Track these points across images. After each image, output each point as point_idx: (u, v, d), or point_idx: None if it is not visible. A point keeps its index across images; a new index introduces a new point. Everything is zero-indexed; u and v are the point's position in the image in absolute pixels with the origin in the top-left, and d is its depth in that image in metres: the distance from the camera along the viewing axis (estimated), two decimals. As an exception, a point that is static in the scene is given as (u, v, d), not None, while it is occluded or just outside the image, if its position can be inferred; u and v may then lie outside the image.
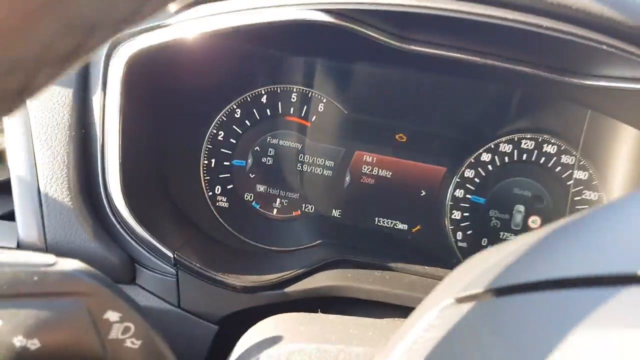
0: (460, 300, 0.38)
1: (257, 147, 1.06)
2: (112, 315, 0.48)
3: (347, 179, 1.07)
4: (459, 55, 0.80)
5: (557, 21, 0.73)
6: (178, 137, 1.00)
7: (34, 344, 0.45)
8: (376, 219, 1.08)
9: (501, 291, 0.35)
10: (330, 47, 0.93)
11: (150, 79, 0.86)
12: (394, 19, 0.76)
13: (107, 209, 0.78)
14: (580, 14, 0.72)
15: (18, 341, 0.45)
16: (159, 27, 0.77)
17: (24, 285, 0.44)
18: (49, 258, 0.47)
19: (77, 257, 0.51)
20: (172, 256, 0.78)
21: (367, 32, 0.76)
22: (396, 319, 0.79)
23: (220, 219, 1.05)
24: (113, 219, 0.78)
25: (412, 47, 0.80)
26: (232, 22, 0.75)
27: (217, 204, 1.05)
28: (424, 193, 1.07)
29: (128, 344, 0.49)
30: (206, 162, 1.04)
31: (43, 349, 0.46)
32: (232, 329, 0.81)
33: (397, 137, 1.07)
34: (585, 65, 0.79)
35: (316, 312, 0.71)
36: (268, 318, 0.68)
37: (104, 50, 0.78)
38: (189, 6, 0.75)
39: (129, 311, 0.49)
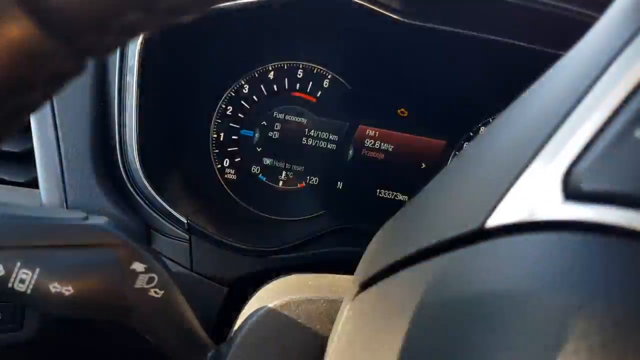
0: (363, 287, 0.42)
1: (264, 122, 1.10)
2: (138, 267, 0.53)
3: (351, 152, 1.12)
4: (458, 30, 0.84)
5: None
6: (189, 111, 1.04)
7: (68, 290, 0.50)
8: (378, 190, 1.13)
9: (383, 273, 0.39)
10: (334, 23, 0.97)
11: (165, 56, 0.90)
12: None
13: (125, 178, 0.83)
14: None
15: (53, 287, 0.50)
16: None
17: (60, 236, 0.49)
18: (81, 214, 0.52)
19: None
20: (185, 222, 0.83)
21: (372, 7, 0.80)
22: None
23: (229, 190, 1.10)
24: (130, 187, 0.83)
25: (417, 22, 0.84)
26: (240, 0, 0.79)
27: (226, 176, 1.10)
28: (424, 166, 1.11)
29: (152, 293, 0.54)
30: (215, 135, 1.09)
31: (76, 295, 0.50)
32: (242, 291, 0.86)
33: (399, 111, 1.11)
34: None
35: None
36: (277, 278, 0.73)
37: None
38: None
39: (154, 264, 0.54)
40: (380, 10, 0.80)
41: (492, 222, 0.31)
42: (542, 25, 0.83)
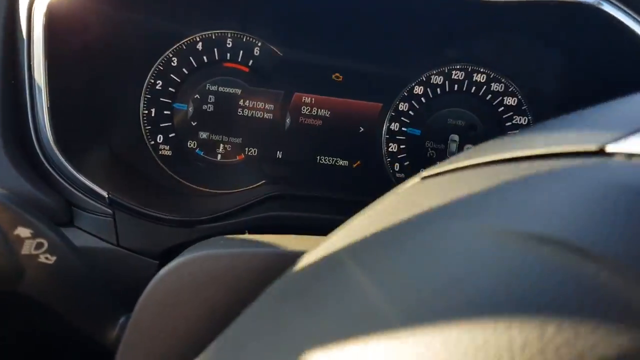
0: (425, 178, 0.42)
1: (197, 95, 1.08)
2: (23, 232, 0.51)
3: (288, 120, 1.10)
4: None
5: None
6: (115, 87, 1.01)
7: (-54, 260, 0.48)
8: (318, 157, 1.11)
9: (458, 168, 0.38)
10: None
11: (78, 26, 0.87)
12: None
13: (40, 154, 0.80)
14: None
15: None
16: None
17: None
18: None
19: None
20: (106, 196, 0.81)
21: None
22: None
23: (164, 167, 1.07)
24: (45, 163, 0.80)
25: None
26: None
27: (160, 152, 1.07)
28: (362, 129, 1.10)
29: (42, 259, 0.52)
30: (146, 111, 1.06)
31: (-43, 264, 0.48)
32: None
33: (333, 76, 1.10)
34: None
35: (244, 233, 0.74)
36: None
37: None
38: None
39: (41, 228, 0.52)
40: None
41: (615, 147, 0.31)
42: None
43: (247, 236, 0.69)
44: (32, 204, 0.77)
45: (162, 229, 0.85)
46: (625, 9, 0.81)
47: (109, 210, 0.82)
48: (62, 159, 0.79)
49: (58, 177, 0.80)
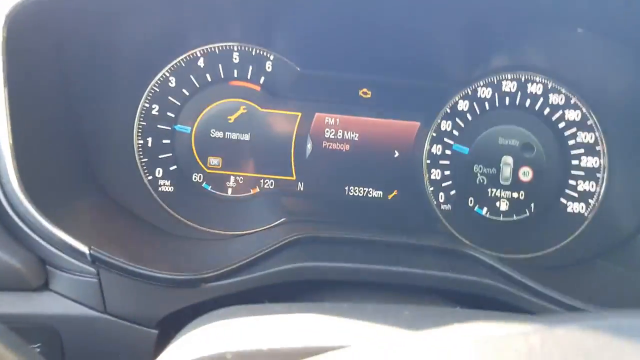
0: None
1: (201, 120, 0.92)
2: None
3: (309, 146, 0.94)
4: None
5: None
6: (101, 115, 0.86)
7: None
8: (346, 188, 0.95)
9: None
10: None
11: (50, 44, 0.72)
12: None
13: (4, 202, 0.64)
14: None
15: None
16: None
17: None
18: None
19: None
20: (87, 252, 0.64)
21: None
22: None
23: (165, 206, 0.91)
24: (11, 213, 0.64)
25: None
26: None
27: (160, 188, 0.91)
28: (397, 154, 0.94)
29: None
30: (141, 142, 0.90)
31: None
32: (176, 332, 0.67)
33: (360, 92, 0.94)
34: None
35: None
36: (207, 314, 0.55)
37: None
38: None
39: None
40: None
41: None
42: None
43: (265, 309, 0.52)
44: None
45: (159, 290, 0.68)
46: None
47: (93, 270, 0.66)
48: (31, 208, 0.64)
49: (27, 230, 0.64)
